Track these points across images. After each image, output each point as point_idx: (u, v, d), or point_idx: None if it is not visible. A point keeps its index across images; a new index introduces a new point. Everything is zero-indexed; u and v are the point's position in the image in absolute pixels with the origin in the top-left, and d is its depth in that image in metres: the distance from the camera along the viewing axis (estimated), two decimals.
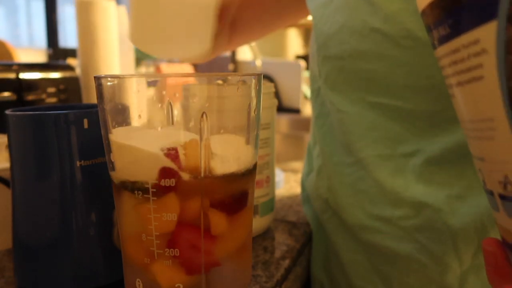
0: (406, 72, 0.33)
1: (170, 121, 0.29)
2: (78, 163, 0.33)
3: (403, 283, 0.38)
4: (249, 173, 0.31)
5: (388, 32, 0.33)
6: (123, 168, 0.29)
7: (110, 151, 0.29)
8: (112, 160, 0.29)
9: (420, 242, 0.36)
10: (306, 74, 1.93)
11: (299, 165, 0.77)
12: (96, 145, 0.33)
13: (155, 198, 0.28)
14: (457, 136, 0.33)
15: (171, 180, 0.27)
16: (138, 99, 0.28)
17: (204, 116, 0.27)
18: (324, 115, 0.44)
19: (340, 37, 0.37)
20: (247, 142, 0.30)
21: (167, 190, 0.27)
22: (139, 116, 0.29)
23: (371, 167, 0.38)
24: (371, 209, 0.38)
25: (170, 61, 1.22)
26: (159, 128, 0.29)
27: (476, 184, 0.33)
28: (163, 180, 0.27)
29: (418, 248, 0.36)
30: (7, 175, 0.38)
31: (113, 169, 0.29)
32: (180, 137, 0.28)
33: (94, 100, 0.68)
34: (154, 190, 0.27)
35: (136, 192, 0.28)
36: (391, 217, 0.37)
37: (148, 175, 0.27)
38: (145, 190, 0.28)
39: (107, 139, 0.29)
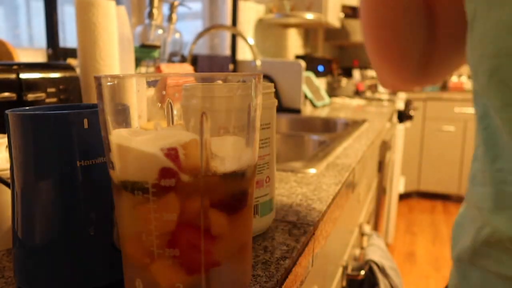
0: None
1: (170, 121, 0.29)
2: (78, 163, 0.33)
3: None
4: (249, 173, 0.31)
5: None
6: (123, 168, 0.29)
7: (110, 151, 0.29)
8: (112, 160, 0.29)
9: None
10: (306, 74, 1.93)
11: (299, 165, 0.77)
12: (96, 145, 0.33)
13: (155, 198, 0.28)
14: None
15: (171, 180, 0.27)
16: (138, 99, 0.28)
17: (204, 116, 0.27)
18: (488, 116, 0.39)
19: (496, 33, 0.34)
20: (247, 142, 0.30)
21: (167, 190, 0.27)
22: (139, 116, 0.29)
23: None
24: None
25: (170, 61, 1.22)
26: (159, 128, 0.29)
27: None
28: (163, 180, 0.27)
29: None
30: (7, 175, 0.38)
31: (113, 169, 0.29)
32: (180, 137, 0.28)
33: (94, 100, 0.68)
34: (154, 190, 0.27)
35: (136, 192, 0.28)
36: None
37: (148, 175, 0.27)
38: (145, 190, 0.28)
39: (107, 139, 0.29)
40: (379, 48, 0.50)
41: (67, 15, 1.18)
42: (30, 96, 0.58)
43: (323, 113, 1.73)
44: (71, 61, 0.97)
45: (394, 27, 0.47)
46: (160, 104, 0.28)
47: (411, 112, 2.32)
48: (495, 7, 0.34)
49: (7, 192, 0.36)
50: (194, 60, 1.49)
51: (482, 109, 0.40)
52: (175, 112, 0.29)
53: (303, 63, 1.73)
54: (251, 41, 1.38)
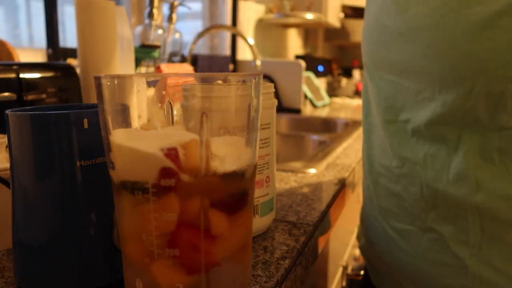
0: (402, 57, 0.43)
1: (170, 121, 0.29)
2: (78, 163, 0.33)
3: (395, 215, 0.50)
4: (249, 173, 0.31)
5: (391, 28, 0.44)
6: (123, 168, 0.29)
7: (110, 151, 0.29)
8: (112, 160, 0.29)
9: (403, 185, 0.47)
10: (306, 74, 1.93)
11: (299, 165, 0.77)
12: (96, 145, 0.33)
13: (155, 198, 0.28)
14: (428, 113, 0.42)
15: (171, 180, 0.27)
16: (138, 99, 0.28)
17: (204, 116, 0.27)
18: (366, 81, 0.55)
19: (372, 28, 0.48)
20: (247, 142, 0.30)
21: (167, 190, 0.27)
22: (139, 116, 0.29)
23: (379, 127, 0.51)
24: (380, 159, 0.51)
25: (170, 61, 1.22)
26: (159, 128, 0.29)
27: (444, 145, 0.42)
28: (163, 180, 0.27)
29: (403, 189, 0.47)
30: (7, 175, 0.38)
31: (113, 169, 0.29)
32: (180, 137, 0.28)
33: (94, 100, 0.68)
34: (154, 190, 0.27)
35: (136, 192, 0.28)
36: (389, 166, 0.49)
37: (148, 175, 0.27)
38: (145, 190, 0.28)
39: (107, 139, 0.29)
40: None
41: (67, 15, 1.18)
42: (30, 96, 0.58)
43: (323, 113, 1.73)
44: (71, 61, 0.97)
45: None
46: (160, 104, 0.28)
47: None
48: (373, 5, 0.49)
49: (7, 192, 0.36)
50: (194, 60, 1.49)
51: (364, 77, 0.56)
52: (175, 112, 0.29)
53: (303, 63, 1.73)
54: (251, 41, 1.38)
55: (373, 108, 0.53)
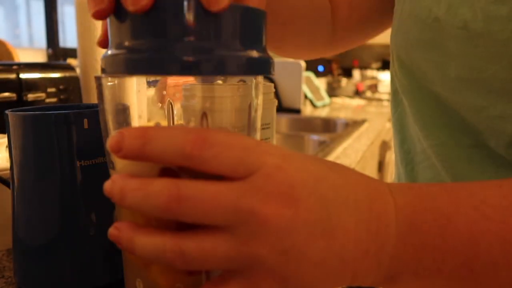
0: (461, 62, 0.33)
1: (171, 121, 0.29)
2: (78, 163, 0.33)
3: None
4: None
5: (447, 22, 0.33)
6: (123, 168, 0.29)
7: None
8: (112, 160, 0.29)
9: None
10: (306, 74, 1.93)
11: None
12: (96, 145, 0.33)
13: None
14: (505, 136, 0.32)
15: None
16: (138, 99, 0.28)
17: (204, 116, 0.27)
18: (396, 103, 0.44)
19: (411, 26, 0.37)
20: None
21: None
22: (139, 116, 0.29)
23: (428, 155, 0.40)
24: None
25: None
26: None
27: None
28: None
29: None
30: (7, 175, 0.38)
31: (113, 169, 0.29)
32: None
33: (94, 100, 0.68)
34: None
35: None
36: None
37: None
38: None
39: (107, 139, 0.29)
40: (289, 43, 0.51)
41: (67, 15, 1.18)
42: (30, 96, 0.58)
43: (323, 113, 1.73)
44: (71, 61, 0.97)
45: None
46: (160, 104, 0.28)
47: None
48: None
49: (7, 192, 0.36)
50: None
51: (394, 93, 0.45)
52: (175, 112, 0.29)
53: (303, 63, 1.73)
54: None
55: (413, 131, 0.42)
